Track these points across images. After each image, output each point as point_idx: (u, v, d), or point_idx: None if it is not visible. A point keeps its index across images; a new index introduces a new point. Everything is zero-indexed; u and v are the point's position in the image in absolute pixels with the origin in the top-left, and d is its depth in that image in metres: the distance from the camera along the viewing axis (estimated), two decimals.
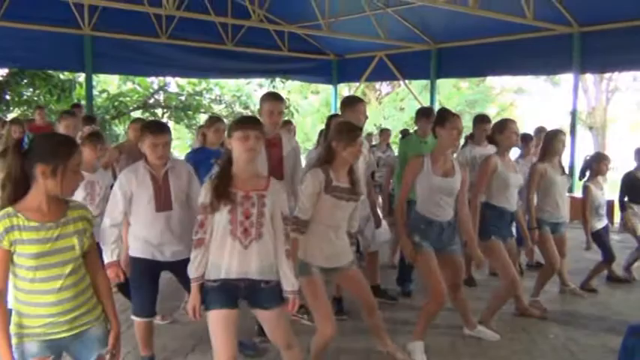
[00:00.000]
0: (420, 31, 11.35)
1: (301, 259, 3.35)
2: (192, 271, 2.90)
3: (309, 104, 23.79)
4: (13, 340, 2.35)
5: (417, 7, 9.87)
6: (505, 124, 4.57)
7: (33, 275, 2.32)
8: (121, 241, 3.70)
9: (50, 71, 12.18)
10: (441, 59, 11.84)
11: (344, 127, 3.56)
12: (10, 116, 13.18)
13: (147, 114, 14.75)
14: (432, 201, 3.98)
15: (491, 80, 23.03)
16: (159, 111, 15.83)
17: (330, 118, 5.55)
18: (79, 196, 3.85)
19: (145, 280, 3.63)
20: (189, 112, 15.18)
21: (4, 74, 12.17)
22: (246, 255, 2.85)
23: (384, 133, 9.97)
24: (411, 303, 5.29)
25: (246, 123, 2.98)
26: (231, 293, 2.89)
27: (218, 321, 2.89)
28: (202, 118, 15.08)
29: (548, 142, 5.14)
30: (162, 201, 3.52)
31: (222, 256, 2.85)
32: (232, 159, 2.92)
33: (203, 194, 2.89)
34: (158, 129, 3.55)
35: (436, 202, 3.98)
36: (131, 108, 14.98)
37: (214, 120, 5.42)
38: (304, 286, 3.32)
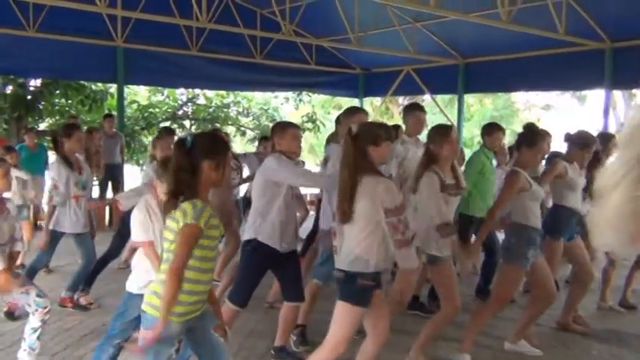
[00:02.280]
0: (448, 45, 11.36)
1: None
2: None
3: (331, 119, 23.87)
4: (158, 314, 2.61)
5: (446, 22, 9.91)
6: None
7: (208, 254, 2.71)
8: None
9: (83, 82, 12.37)
10: (468, 74, 11.82)
11: (435, 130, 4.07)
12: (42, 126, 13.42)
13: (175, 125, 14.91)
14: (536, 210, 4.27)
15: (515, 95, 22.93)
16: (187, 122, 16.00)
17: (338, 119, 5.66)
18: None
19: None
20: (217, 124, 15.31)
21: (38, 84, 12.39)
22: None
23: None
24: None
25: (390, 131, 3.42)
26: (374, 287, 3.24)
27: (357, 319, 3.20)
28: (230, 130, 15.20)
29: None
30: None
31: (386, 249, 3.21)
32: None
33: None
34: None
35: (536, 210, 4.28)
36: (160, 119, 15.16)
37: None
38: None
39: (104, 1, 8.19)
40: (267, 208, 3.94)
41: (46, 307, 3.91)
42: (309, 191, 10.21)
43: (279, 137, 4.06)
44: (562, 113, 24.54)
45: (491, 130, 5.94)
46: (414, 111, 5.19)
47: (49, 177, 5.49)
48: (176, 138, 5.95)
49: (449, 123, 5.61)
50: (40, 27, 9.59)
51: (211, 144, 2.73)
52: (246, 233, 4.06)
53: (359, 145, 3.22)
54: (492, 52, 10.90)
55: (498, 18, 8.16)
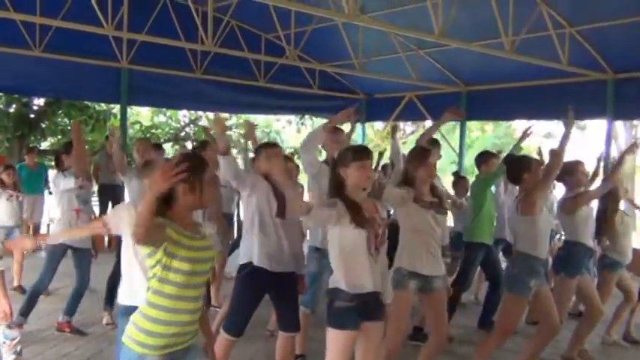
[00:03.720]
0: (451, 72, 11.43)
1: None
2: None
3: None
4: (134, 348, 2.49)
5: (449, 49, 9.96)
6: (575, 167, 4.83)
7: (186, 280, 2.49)
8: None
9: (86, 102, 12.41)
10: (470, 101, 11.85)
11: (415, 150, 4.06)
12: (44, 145, 13.46)
13: (176, 147, 14.94)
14: (545, 239, 4.29)
15: (516, 123, 23.04)
16: (189, 144, 16.04)
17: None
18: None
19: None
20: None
21: (41, 104, 12.44)
22: (377, 269, 3.18)
23: None
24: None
25: (363, 152, 3.25)
26: (361, 311, 3.13)
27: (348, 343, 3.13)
28: (232, 152, 15.18)
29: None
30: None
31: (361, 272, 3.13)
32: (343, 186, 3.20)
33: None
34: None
35: (545, 239, 4.31)
36: (163, 140, 15.20)
37: None
38: None
39: (111, 23, 8.25)
40: (250, 228, 3.92)
41: (14, 339, 3.81)
42: None
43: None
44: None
45: (487, 157, 5.99)
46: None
47: (54, 190, 5.53)
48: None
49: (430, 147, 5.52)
50: (45, 47, 9.64)
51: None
52: (241, 257, 4.00)
53: (334, 168, 3.29)
54: (495, 81, 10.96)
55: (502, 47, 8.22)
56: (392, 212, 7.21)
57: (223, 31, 9.91)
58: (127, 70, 10.78)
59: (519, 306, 4.33)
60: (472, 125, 19.98)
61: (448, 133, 15.40)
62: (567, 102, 9.68)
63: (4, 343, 3.79)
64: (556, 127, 23.89)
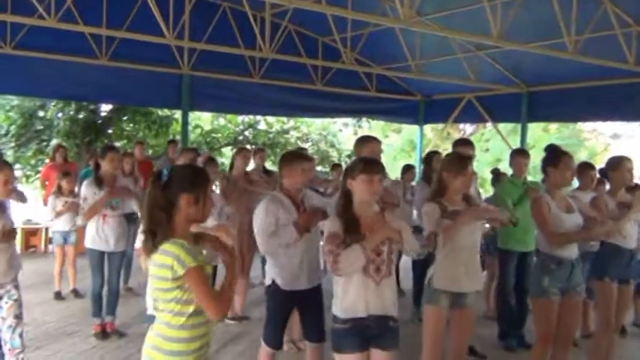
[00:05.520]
0: (512, 73, 11.16)
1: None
2: None
3: (389, 143, 23.76)
4: None
5: (509, 50, 9.73)
6: (620, 162, 4.42)
7: (198, 308, 2.40)
8: None
9: (150, 108, 12.81)
10: (532, 103, 11.54)
11: (453, 158, 3.75)
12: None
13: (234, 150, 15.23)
14: None
15: (582, 123, 22.25)
16: (248, 147, 16.31)
17: (430, 154, 5.85)
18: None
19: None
20: (277, 150, 15.56)
21: (108, 110, 12.96)
22: (380, 291, 2.99)
23: None
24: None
25: (372, 165, 3.09)
26: (362, 334, 2.99)
27: None
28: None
29: None
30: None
31: (354, 294, 2.98)
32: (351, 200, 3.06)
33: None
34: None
35: None
36: (222, 144, 15.53)
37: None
38: None
39: (172, 32, 8.51)
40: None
41: (17, 349, 3.98)
42: None
43: (365, 149, 4.15)
44: (631, 142, 23.63)
45: (512, 156, 5.75)
46: (366, 143, 4.55)
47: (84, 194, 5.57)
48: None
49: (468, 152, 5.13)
50: (111, 56, 10.03)
51: (190, 176, 2.50)
52: (267, 276, 4.03)
53: (343, 181, 3.17)
54: (558, 81, 10.62)
55: (564, 47, 7.97)
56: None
57: (281, 36, 10.05)
58: (188, 76, 11.07)
59: (540, 309, 4.01)
60: (535, 125, 19.38)
61: (509, 134, 15.04)
62: (634, 102, 9.52)
63: (10, 350, 3.97)
64: (624, 127, 23.00)
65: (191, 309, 2.39)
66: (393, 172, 20.55)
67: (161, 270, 2.34)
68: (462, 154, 3.91)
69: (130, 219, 6.23)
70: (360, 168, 3.06)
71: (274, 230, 3.74)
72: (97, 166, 5.73)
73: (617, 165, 4.39)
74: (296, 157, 3.98)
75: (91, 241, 5.56)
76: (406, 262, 7.13)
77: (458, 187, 3.63)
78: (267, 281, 4.00)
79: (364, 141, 4.45)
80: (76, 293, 7.25)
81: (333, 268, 2.89)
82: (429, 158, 5.96)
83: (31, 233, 10.31)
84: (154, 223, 2.41)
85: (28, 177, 13.46)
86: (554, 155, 4.05)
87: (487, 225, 6.67)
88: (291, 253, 3.80)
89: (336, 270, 2.90)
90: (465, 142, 5.28)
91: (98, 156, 5.82)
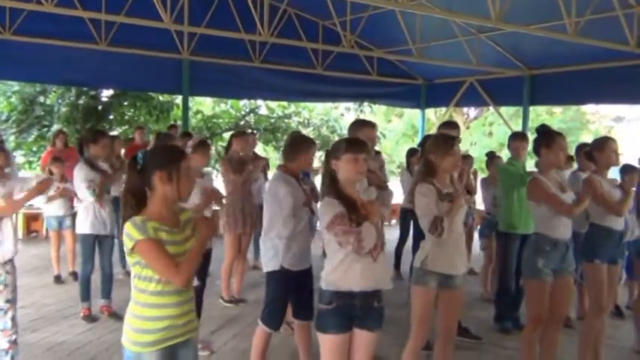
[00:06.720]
0: (514, 56, 11.08)
1: None
2: None
3: (391, 128, 23.71)
4: (130, 348, 2.52)
5: (511, 33, 9.65)
6: (605, 143, 4.37)
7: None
8: None
9: (150, 93, 12.80)
10: (534, 86, 11.47)
11: (439, 139, 3.74)
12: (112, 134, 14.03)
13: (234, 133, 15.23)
14: (556, 218, 3.92)
15: (586, 106, 22.14)
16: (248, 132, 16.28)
17: (426, 138, 5.74)
18: (194, 199, 4.13)
19: None
20: (278, 135, 15.53)
21: (109, 96, 12.95)
22: (378, 266, 3.00)
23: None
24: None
25: (357, 145, 3.08)
26: (346, 315, 2.98)
27: (335, 347, 2.97)
28: None
29: None
30: None
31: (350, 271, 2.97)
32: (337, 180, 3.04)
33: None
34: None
35: (559, 219, 3.92)
36: (224, 129, 15.51)
37: None
38: None
39: (171, 17, 8.47)
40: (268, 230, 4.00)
41: (8, 330, 4.04)
42: None
43: (360, 133, 4.15)
44: (634, 124, 23.51)
45: (510, 140, 5.72)
46: (361, 127, 4.47)
47: (77, 179, 5.52)
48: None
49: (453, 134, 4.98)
50: (111, 41, 10.00)
51: (162, 154, 2.57)
52: (271, 260, 4.00)
53: (325, 162, 3.16)
54: (560, 64, 10.54)
55: (564, 29, 7.91)
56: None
57: (281, 20, 9.99)
58: (187, 61, 11.05)
59: (533, 290, 4.00)
60: (538, 108, 19.27)
61: (511, 118, 14.98)
62: (636, 84, 9.44)
63: (2, 331, 4.03)
64: (626, 109, 22.89)
65: (156, 276, 2.48)
66: (397, 156, 20.58)
67: (126, 247, 2.47)
68: (447, 135, 3.90)
69: (118, 203, 6.25)
70: (345, 147, 3.05)
71: (295, 212, 3.88)
72: (81, 149, 5.70)
73: (602, 146, 4.33)
74: (312, 142, 4.20)
75: (89, 225, 5.58)
76: (407, 246, 7.15)
77: (446, 168, 3.63)
78: (272, 267, 3.99)
79: (359, 125, 4.42)
80: (75, 276, 7.29)
81: (358, 247, 2.87)
82: (425, 142, 5.94)
83: (32, 218, 10.40)
84: (128, 207, 2.53)
85: (30, 163, 13.48)
86: (547, 136, 4.03)
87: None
88: (305, 232, 3.96)
89: (362, 249, 2.89)
90: (449, 124, 5.23)
91: (87, 139, 5.76)
